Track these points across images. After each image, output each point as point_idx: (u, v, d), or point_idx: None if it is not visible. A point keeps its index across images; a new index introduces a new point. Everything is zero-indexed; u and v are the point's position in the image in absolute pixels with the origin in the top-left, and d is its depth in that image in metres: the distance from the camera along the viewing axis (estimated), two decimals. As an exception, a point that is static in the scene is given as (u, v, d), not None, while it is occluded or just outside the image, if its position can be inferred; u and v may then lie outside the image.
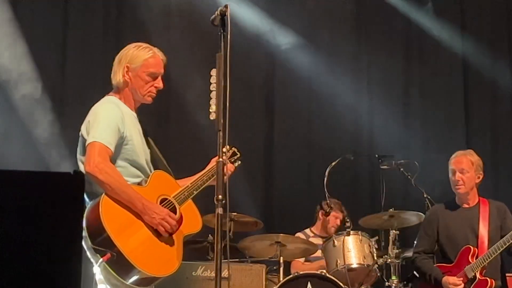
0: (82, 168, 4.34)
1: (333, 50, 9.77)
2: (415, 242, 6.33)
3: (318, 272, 6.57)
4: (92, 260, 4.31)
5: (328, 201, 7.37)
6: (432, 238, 6.02)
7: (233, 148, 5.00)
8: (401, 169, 7.42)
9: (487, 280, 5.64)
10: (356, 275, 6.59)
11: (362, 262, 6.62)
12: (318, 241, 7.58)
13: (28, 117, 8.44)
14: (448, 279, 5.69)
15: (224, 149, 4.10)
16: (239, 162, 5.02)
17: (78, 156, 4.42)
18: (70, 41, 8.99)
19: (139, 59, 4.51)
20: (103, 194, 4.15)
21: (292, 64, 9.55)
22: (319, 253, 7.23)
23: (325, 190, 7.31)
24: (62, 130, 8.42)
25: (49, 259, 1.85)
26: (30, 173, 1.85)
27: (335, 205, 7.69)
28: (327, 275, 6.47)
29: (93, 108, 4.46)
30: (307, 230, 7.92)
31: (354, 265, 6.65)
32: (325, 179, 7.30)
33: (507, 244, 5.51)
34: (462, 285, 5.65)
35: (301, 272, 6.64)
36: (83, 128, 4.39)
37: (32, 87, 8.48)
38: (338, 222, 7.74)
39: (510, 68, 9.95)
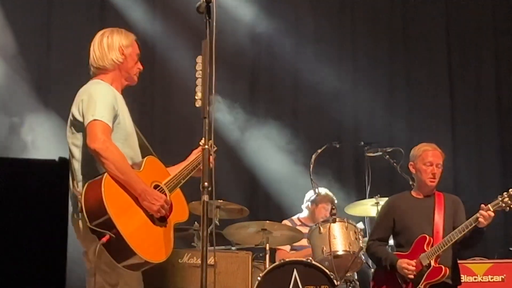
0: (73, 150, 4.34)
1: (318, 38, 9.77)
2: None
3: (304, 259, 6.58)
4: (81, 245, 4.32)
5: (315, 188, 7.39)
6: (389, 227, 6.03)
7: (210, 141, 4.99)
8: (387, 156, 7.44)
9: (441, 267, 5.68)
10: (342, 262, 6.60)
11: (348, 249, 6.63)
12: (304, 230, 7.59)
13: (12, 102, 8.40)
14: (402, 262, 5.73)
15: (202, 141, 4.09)
16: (215, 155, 5.01)
17: (69, 139, 4.39)
18: (54, 25, 8.95)
19: (129, 41, 4.58)
20: (105, 174, 4.13)
21: (277, 51, 9.54)
22: (304, 241, 7.23)
23: (311, 177, 7.32)
24: (47, 115, 8.39)
25: (33, 247, 1.84)
26: (13, 160, 1.84)
27: (326, 196, 7.69)
28: (313, 262, 6.48)
29: (83, 88, 4.44)
30: (295, 218, 7.92)
31: (340, 252, 6.66)
32: (311, 166, 7.31)
33: (463, 233, 5.57)
34: (414, 268, 5.69)
35: (287, 259, 6.65)
36: (74, 109, 4.36)
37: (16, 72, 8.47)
38: (327, 214, 7.73)
39: (495, 56, 9.98)
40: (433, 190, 6.04)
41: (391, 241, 6.23)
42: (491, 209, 5.53)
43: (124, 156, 4.24)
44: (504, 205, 5.55)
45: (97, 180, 4.13)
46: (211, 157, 4.69)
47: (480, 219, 5.52)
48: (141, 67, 4.65)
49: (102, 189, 4.05)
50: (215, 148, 4.98)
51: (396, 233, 6.01)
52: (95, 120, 4.19)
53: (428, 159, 5.98)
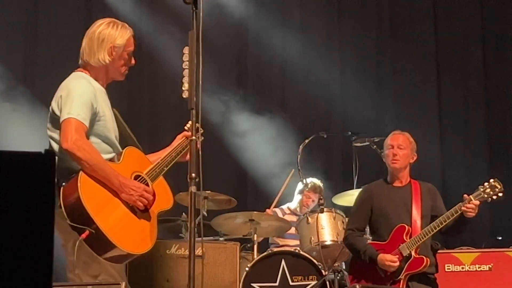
0: (53, 144, 4.32)
1: (305, 28, 9.76)
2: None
3: (292, 250, 6.59)
4: (60, 237, 4.30)
5: (302, 178, 7.41)
6: (366, 216, 6.02)
7: (196, 124, 4.97)
8: (374, 146, 7.45)
9: (422, 258, 5.69)
10: (330, 252, 6.62)
11: (336, 239, 6.65)
12: (293, 218, 7.61)
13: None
14: (384, 257, 5.71)
15: (188, 125, 4.08)
16: (202, 137, 5.00)
17: (49, 132, 4.38)
18: (40, 18, 8.90)
19: (123, 39, 4.47)
20: (80, 171, 4.11)
21: (264, 42, 9.53)
22: (293, 230, 7.25)
23: (298, 167, 7.33)
24: (32, 108, 8.35)
25: (17, 247, 1.81)
26: (-4, 152, 1.81)
27: (311, 185, 7.71)
28: (301, 252, 6.50)
29: (63, 83, 4.41)
30: (285, 207, 7.96)
31: (328, 242, 6.68)
32: (298, 156, 7.32)
33: (443, 224, 5.58)
34: (398, 262, 5.69)
35: (275, 250, 6.67)
36: (53, 104, 4.34)
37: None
38: (310, 202, 7.74)
39: (482, 44, 10.01)
40: (404, 173, 6.02)
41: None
42: (473, 199, 5.54)
43: (97, 151, 4.22)
44: (486, 196, 5.56)
45: (73, 178, 4.12)
46: (198, 141, 4.70)
47: (469, 214, 5.53)
48: (132, 63, 4.60)
49: (79, 186, 4.04)
50: (202, 130, 4.97)
51: (373, 221, 5.98)
52: (70, 118, 4.17)
53: (388, 142, 6.05)
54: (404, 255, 5.68)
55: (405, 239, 5.71)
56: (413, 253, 5.68)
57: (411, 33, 9.96)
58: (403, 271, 5.69)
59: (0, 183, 1.75)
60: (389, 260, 5.68)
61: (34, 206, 1.75)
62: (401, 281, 5.68)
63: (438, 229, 5.62)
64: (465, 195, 5.57)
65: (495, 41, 10.04)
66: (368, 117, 9.48)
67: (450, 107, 9.93)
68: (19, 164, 1.77)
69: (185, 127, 4.36)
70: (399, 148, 5.96)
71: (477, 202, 5.53)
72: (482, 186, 5.58)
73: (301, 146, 7.41)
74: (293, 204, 7.96)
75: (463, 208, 5.52)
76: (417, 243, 5.66)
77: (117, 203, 4.18)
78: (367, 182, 7.23)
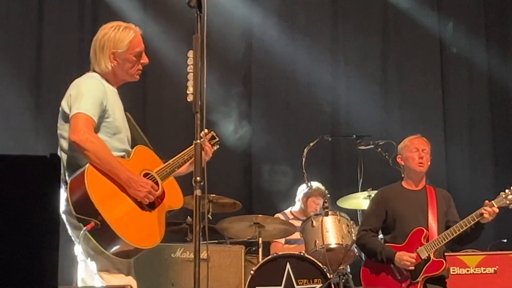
0: (62, 142, 4.34)
1: (310, 31, 9.76)
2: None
3: (297, 253, 6.59)
4: (72, 237, 4.32)
5: (307, 182, 7.39)
6: (380, 218, 6.03)
7: (211, 132, 5.00)
8: (379, 149, 7.45)
9: (442, 261, 5.72)
10: (335, 255, 6.61)
11: (341, 242, 6.64)
12: (297, 223, 7.59)
13: (3, 101, 8.37)
14: (403, 253, 5.73)
15: (203, 133, 4.10)
16: (218, 146, 5.02)
17: (59, 131, 4.40)
18: (46, 24, 8.91)
19: (124, 43, 4.47)
20: (88, 164, 4.14)
21: (269, 45, 9.53)
22: (297, 235, 7.24)
23: (304, 170, 7.32)
24: (38, 113, 8.37)
25: (23, 250, 1.81)
26: (2, 157, 1.81)
27: (317, 190, 7.69)
28: (306, 255, 6.49)
29: (74, 82, 4.43)
30: (287, 212, 7.93)
31: (333, 245, 6.67)
32: (303, 159, 7.31)
33: (465, 228, 5.61)
34: (415, 261, 5.70)
35: (280, 253, 6.66)
36: (63, 102, 4.37)
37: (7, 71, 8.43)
38: (318, 208, 7.74)
39: (486, 48, 9.99)
40: (423, 177, 6.05)
41: (380, 235, 6.24)
42: (495, 206, 5.58)
43: (105, 145, 4.24)
44: (508, 202, 5.60)
45: (80, 171, 4.15)
46: (213, 147, 4.74)
47: (486, 215, 5.57)
48: (144, 62, 4.58)
49: (85, 178, 4.06)
50: (217, 139, 5.00)
51: (388, 224, 6.01)
52: (78, 113, 4.20)
53: (413, 145, 6.05)
54: (423, 257, 5.71)
55: (423, 242, 5.73)
56: (432, 256, 5.70)
57: (416, 35, 9.95)
58: (421, 274, 5.71)
59: (6, 186, 1.75)
60: (407, 256, 5.70)
61: (39, 209, 1.76)
62: (419, 283, 5.70)
63: (457, 233, 5.64)
64: (487, 201, 5.62)
65: (500, 44, 10.03)
66: (373, 120, 9.47)
67: (454, 110, 9.92)
68: (25, 167, 1.77)
69: (200, 134, 4.39)
70: (424, 152, 5.99)
71: (497, 210, 5.59)
72: (504, 193, 5.63)
73: (306, 149, 7.40)
74: (296, 208, 7.94)
75: (483, 209, 5.56)
76: (435, 247, 5.69)
77: (124, 197, 4.20)
78: (372, 185, 7.25)
